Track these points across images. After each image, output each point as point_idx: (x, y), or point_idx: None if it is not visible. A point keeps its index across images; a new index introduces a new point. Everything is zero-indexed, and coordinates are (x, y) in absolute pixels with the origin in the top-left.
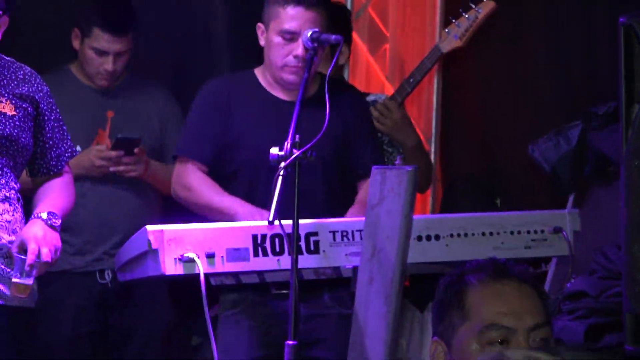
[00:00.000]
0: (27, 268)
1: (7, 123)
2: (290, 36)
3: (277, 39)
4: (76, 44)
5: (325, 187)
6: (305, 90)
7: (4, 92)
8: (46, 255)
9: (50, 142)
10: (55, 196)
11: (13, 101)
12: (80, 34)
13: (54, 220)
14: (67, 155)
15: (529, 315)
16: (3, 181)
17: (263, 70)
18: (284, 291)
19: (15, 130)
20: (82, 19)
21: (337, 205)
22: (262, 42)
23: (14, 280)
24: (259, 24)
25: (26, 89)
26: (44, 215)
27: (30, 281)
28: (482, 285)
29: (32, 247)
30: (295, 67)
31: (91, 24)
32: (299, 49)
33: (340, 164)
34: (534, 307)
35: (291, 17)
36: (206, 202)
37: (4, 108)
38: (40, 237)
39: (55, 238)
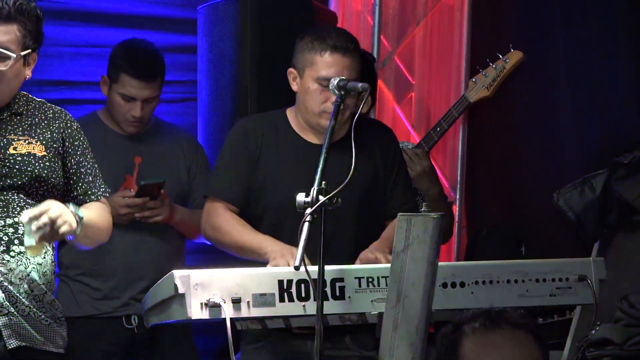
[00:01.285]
0: (33, 228)
1: (37, 164)
2: (328, 83)
3: (314, 86)
4: (105, 90)
5: (353, 232)
6: (333, 134)
7: (34, 134)
8: (61, 224)
9: (83, 175)
10: (85, 207)
11: (43, 142)
12: (108, 80)
13: (78, 214)
14: (100, 191)
15: None
16: None
17: (295, 112)
18: (307, 332)
19: (46, 171)
20: (111, 65)
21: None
22: (294, 88)
23: (26, 244)
24: (291, 69)
25: (56, 128)
26: (70, 205)
27: (33, 241)
28: (476, 335)
29: (44, 206)
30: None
31: (119, 70)
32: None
33: (369, 208)
34: (527, 355)
35: (328, 64)
36: (236, 240)
37: (33, 149)
38: (57, 206)
39: (72, 219)
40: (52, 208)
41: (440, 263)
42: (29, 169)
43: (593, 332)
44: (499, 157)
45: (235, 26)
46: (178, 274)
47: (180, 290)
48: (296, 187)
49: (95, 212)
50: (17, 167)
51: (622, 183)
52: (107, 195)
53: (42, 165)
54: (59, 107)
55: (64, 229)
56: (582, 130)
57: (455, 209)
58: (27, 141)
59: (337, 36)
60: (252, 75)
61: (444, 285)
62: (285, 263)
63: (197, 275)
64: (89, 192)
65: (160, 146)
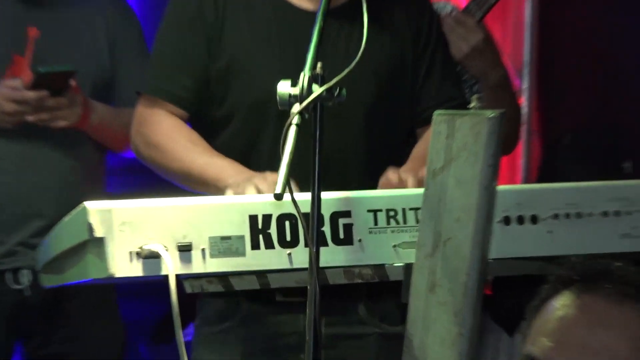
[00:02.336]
0: None
1: None
2: None
3: None
4: None
5: (364, 144)
6: None
7: None
8: None
9: None
10: None
11: None
12: None
13: None
14: None
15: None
16: None
17: None
18: (296, 299)
19: None
20: None
21: (382, 170)
22: None
23: None
24: None
25: None
26: None
27: None
28: (559, 298)
29: None
30: None
31: None
32: None
33: (390, 106)
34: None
35: None
36: (182, 164)
37: None
38: None
39: None
40: None
41: (499, 187)
42: None
43: None
44: (587, 27)
45: None
46: (93, 207)
47: (98, 232)
48: (279, 73)
49: None
50: None
51: None
52: None
53: None
54: None
55: None
56: None
57: (523, 104)
58: None
59: None
60: None
61: (506, 220)
62: (255, 189)
63: (124, 209)
64: None
65: (68, 12)
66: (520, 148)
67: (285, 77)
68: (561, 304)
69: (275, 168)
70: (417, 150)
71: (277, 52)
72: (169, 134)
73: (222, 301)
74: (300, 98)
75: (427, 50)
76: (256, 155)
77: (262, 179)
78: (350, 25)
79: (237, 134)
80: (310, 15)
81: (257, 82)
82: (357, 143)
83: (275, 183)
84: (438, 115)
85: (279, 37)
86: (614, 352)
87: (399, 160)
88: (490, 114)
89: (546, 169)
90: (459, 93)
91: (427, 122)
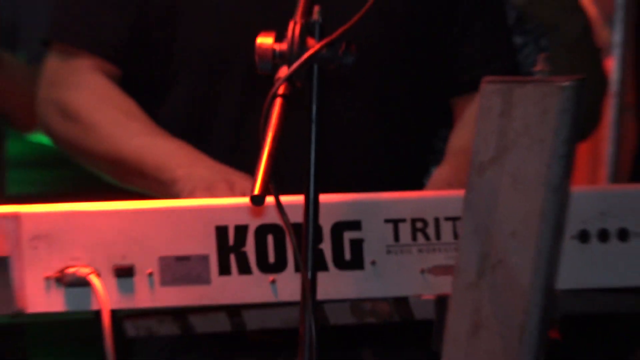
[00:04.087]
0: None
1: None
2: None
3: None
4: None
5: (382, 125)
6: None
7: None
8: None
9: None
10: None
11: None
12: None
13: None
14: None
15: None
16: None
17: None
18: (280, 340)
19: None
20: None
21: (406, 164)
22: None
23: None
24: None
25: None
26: None
27: None
28: None
29: None
30: None
31: None
32: None
33: (418, 73)
34: None
35: None
36: (111, 145)
37: None
38: None
39: None
40: None
41: (575, 188)
42: None
43: None
44: None
45: None
46: None
47: (4, 251)
48: (246, 12)
49: None
50: None
51: None
52: None
53: None
54: None
55: None
56: None
57: (613, 68)
58: None
59: None
60: None
61: (584, 236)
62: (226, 189)
63: (37, 216)
64: None
65: None
66: (607, 131)
67: (256, 20)
68: None
69: (242, 154)
70: (457, 138)
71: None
72: (93, 101)
73: (174, 346)
74: (289, 58)
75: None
76: (216, 134)
77: (236, 175)
78: None
79: (186, 100)
80: None
81: (214, 24)
82: (371, 123)
83: (249, 182)
84: (488, 84)
85: None
86: None
87: (429, 148)
88: (565, 81)
89: None
90: (511, 50)
91: (468, 88)
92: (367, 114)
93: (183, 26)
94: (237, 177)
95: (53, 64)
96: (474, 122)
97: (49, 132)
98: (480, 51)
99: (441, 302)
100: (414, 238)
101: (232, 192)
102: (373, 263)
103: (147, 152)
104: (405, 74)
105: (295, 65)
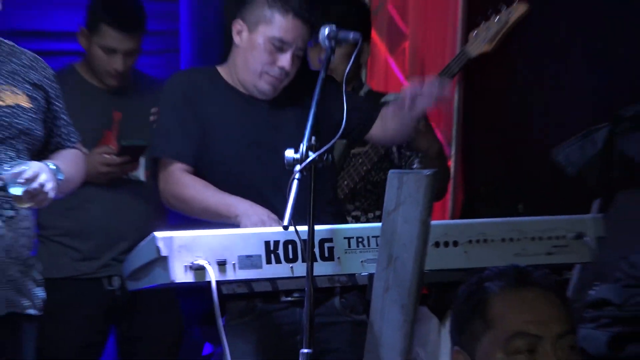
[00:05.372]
0: (20, 180)
1: (25, 116)
2: (281, 45)
3: (264, 44)
4: (83, 42)
5: (332, 191)
6: (279, 86)
7: (16, 82)
8: (48, 185)
9: (59, 122)
10: (62, 160)
11: (27, 92)
12: (87, 31)
13: (59, 171)
14: (74, 135)
15: (556, 322)
16: None
17: (230, 69)
18: (296, 295)
19: (32, 124)
20: (89, 15)
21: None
22: (237, 40)
23: (14, 192)
24: (238, 21)
25: (35, 76)
26: (50, 164)
27: (20, 191)
28: (505, 292)
29: (32, 168)
30: (275, 79)
31: (99, 20)
32: (286, 61)
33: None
34: (559, 314)
35: (287, 27)
36: (201, 204)
37: (20, 100)
38: (45, 170)
39: (55, 182)
40: (43, 172)
41: (432, 222)
42: (17, 121)
43: (592, 292)
44: (496, 112)
45: None
46: (160, 235)
47: (163, 252)
48: (241, 139)
49: (71, 164)
50: (6, 120)
51: (626, 138)
52: (80, 140)
53: (29, 117)
54: (30, 53)
55: (51, 194)
56: (584, 85)
57: (451, 165)
58: (12, 92)
59: (298, 1)
60: None
61: (437, 244)
62: (260, 222)
63: (181, 236)
64: (67, 138)
65: (141, 101)
66: (448, 196)
67: (245, 146)
68: (513, 296)
69: (244, 196)
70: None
71: (239, 124)
72: (188, 186)
73: (243, 303)
74: (300, 160)
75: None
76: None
77: (268, 212)
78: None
79: (216, 181)
80: (259, 102)
81: (226, 147)
82: (329, 189)
83: (275, 220)
84: (392, 173)
85: (238, 114)
86: (558, 310)
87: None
88: (427, 173)
89: (465, 210)
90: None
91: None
92: (328, 186)
93: (211, 143)
94: (270, 214)
95: (162, 171)
96: None
97: (171, 207)
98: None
99: (371, 276)
100: (357, 245)
101: (270, 224)
102: (339, 258)
103: (220, 202)
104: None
105: (303, 165)
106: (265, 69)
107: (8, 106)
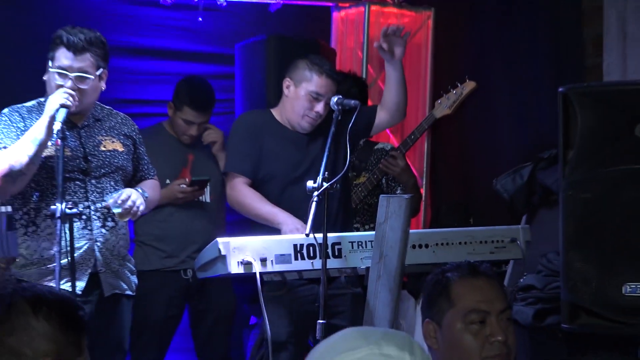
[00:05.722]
0: (118, 201)
1: (120, 157)
2: (317, 97)
3: (306, 96)
4: (170, 112)
5: (342, 208)
6: (311, 129)
7: (114, 134)
8: (139, 205)
9: (143, 161)
10: (146, 186)
11: (121, 140)
12: (173, 106)
13: (144, 193)
14: (153, 171)
15: (499, 301)
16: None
17: (280, 112)
18: (314, 282)
19: (125, 163)
20: (175, 97)
21: (349, 220)
22: (286, 92)
23: (116, 211)
24: (288, 79)
25: (126, 129)
26: (138, 189)
27: (120, 210)
28: (462, 280)
29: (126, 192)
30: (313, 119)
31: (182, 102)
32: (320, 107)
33: (346, 188)
34: (500, 296)
35: (322, 84)
36: (254, 212)
37: (117, 146)
38: (135, 192)
39: (143, 201)
40: (133, 194)
41: (411, 231)
42: (115, 161)
43: (521, 280)
44: (454, 154)
45: (263, 59)
46: (221, 240)
47: (223, 252)
48: (288, 163)
49: (151, 190)
50: (107, 160)
51: (544, 172)
52: (156, 174)
53: (123, 158)
54: (122, 114)
55: (141, 208)
56: (515, 135)
57: (422, 192)
58: (111, 140)
59: (330, 66)
60: (275, 96)
61: (413, 246)
62: (295, 230)
63: (235, 241)
64: (147, 172)
65: (207, 147)
66: (421, 212)
67: (290, 166)
68: (468, 283)
69: (285, 208)
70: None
71: (287, 153)
72: (245, 195)
73: (278, 281)
74: (317, 188)
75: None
76: (273, 201)
77: (298, 225)
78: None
79: (268, 192)
80: (302, 136)
81: (278, 166)
82: (340, 207)
83: (304, 228)
84: (382, 197)
85: (287, 146)
86: (499, 293)
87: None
88: (406, 197)
89: (433, 223)
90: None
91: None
92: (340, 205)
93: (266, 164)
94: (300, 224)
95: (229, 181)
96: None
97: (233, 207)
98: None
99: (367, 268)
100: (358, 247)
101: (302, 231)
102: (345, 256)
103: (267, 211)
104: (345, 190)
105: (319, 192)
106: (305, 113)
107: (108, 150)
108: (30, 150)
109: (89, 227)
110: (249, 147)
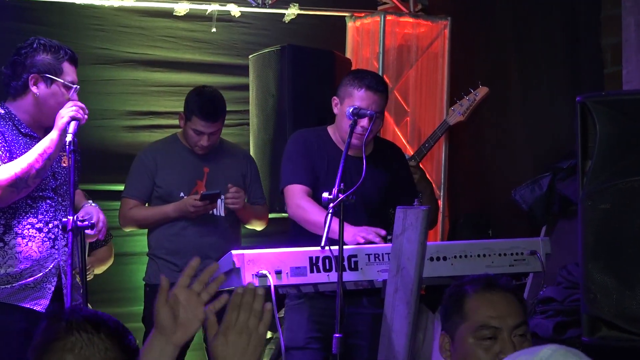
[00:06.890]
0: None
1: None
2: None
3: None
4: (181, 123)
5: (365, 221)
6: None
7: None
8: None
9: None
10: (81, 195)
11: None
12: (184, 116)
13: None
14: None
15: (512, 317)
16: None
17: (334, 129)
18: (331, 295)
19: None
20: (186, 108)
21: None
22: (335, 111)
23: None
24: (335, 97)
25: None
26: (91, 202)
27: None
28: (477, 294)
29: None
30: (361, 135)
31: (192, 113)
32: (365, 122)
33: (386, 205)
34: (515, 311)
35: (362, 98)
36: (314, 217)
37: (65, 161)
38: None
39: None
40: (94, 212)
41: (428, 243)
42: (70, 177)
43: (541, 292)
44: (472, 165)
45: (277, 70)
46: (235, 253)
47: (237, 265)
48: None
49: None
50: (68, 177)
51: (562, 183)
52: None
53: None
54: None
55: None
56: (532, 145)
57: (440, 203)
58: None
59: (372, 78)
60: (289, 107)
61: (431, 259)
62: (353, 241)
63: (249, 253)
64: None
65: (223, 159)
66: (439, 224)
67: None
68: (483, 297)
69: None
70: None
71: (329, 171)
72: (305, 203)
73: (298, 291)
74: (332, 200)
75: (406, 175)
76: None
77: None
78: (372, 164)
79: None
80: (351, 158)
81: (328, 183)
82: (363, 220)
83: (368, 233)
84: (399, 209)
85: (335, 166)
86: (514, 308)
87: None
88: (423, 208)
89: (451, 234)
90: (416, 192)
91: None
92: (362, 218)
93: (318, 178)
94: (359, 232)
95: (288, 192)
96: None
97: (292, 215)
98: (408, 194)
99: (384, 281)
100: (375, 260)
101: (360, 240)
102: (361, 269)
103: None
104: (381, 207)
105: (335, 203)
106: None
107: (67, 167)
108: (38, 163)
109: (56, 247)
110: (305, 161)
